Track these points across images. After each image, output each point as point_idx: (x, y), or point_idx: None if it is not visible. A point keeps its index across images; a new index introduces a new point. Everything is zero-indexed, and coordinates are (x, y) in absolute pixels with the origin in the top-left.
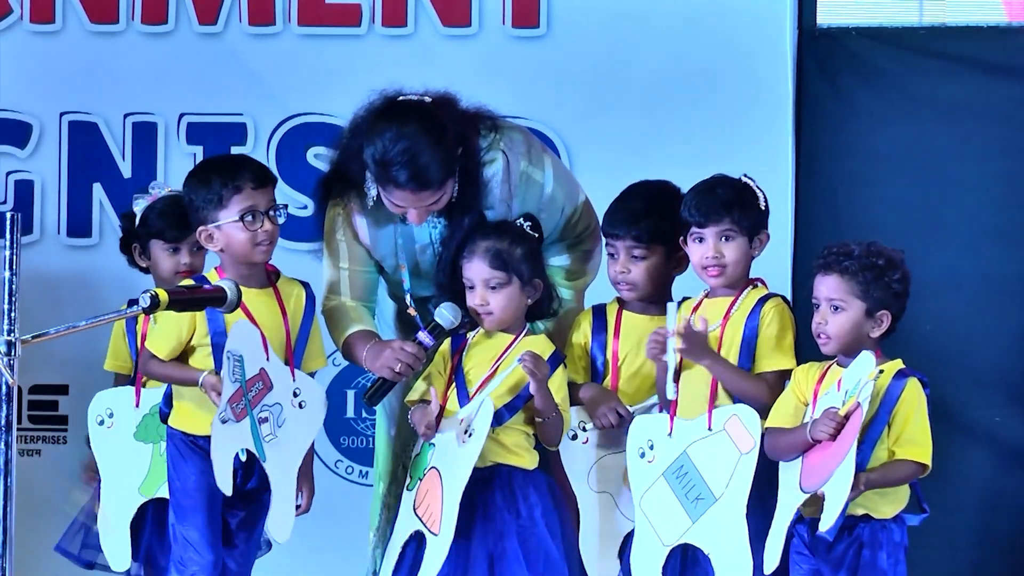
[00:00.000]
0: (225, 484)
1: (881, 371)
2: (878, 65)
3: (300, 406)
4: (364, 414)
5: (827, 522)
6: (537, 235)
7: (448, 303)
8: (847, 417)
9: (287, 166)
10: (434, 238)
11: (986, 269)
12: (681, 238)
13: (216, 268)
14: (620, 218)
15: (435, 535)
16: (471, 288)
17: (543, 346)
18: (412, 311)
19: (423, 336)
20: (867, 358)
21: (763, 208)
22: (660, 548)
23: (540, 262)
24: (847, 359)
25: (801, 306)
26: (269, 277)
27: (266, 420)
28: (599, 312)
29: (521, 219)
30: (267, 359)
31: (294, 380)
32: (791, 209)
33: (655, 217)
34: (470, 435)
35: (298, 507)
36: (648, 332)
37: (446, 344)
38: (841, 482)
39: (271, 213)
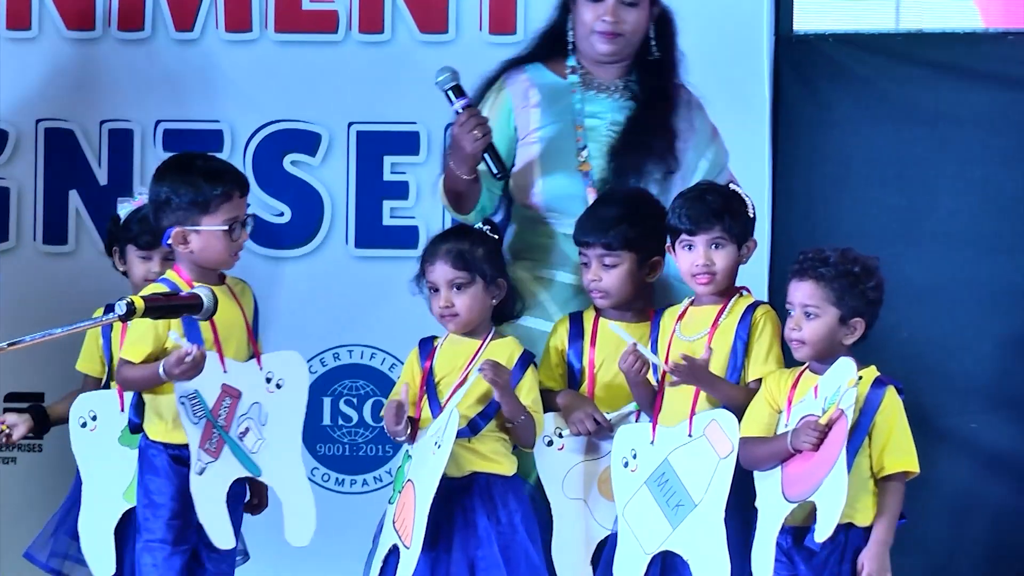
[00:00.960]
0: (224, 538)
1: (860, 377)
2: (855, 71)
3: (278, 387)
4: (340, 421)
5: (823, 532)
6: (497, 236)
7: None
8: (829, 426)
9: (264, 173)
10: (604, 116)
11: (963, 275)
12: (668, 245)
13: (175, 268)
14: (591, 226)
15: (407, 548)
16: (435, 291)
17: (511, 349)
18: (592, 191)
19: (457, 104)
20: (847, 364)
21: (751, 216)
22: (642, 557)
23: (502, 263)
24: (820, 365)
25: (778, 311)
26: (220, 274)
27: (247, 431)
28: (576, 319)
29: (480, 223)
30: (224, 371)
31: (262, 368)
32: (768, 214)
33: (625, 224)
34: (439, 446)
35: (256, 505)
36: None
37: (415, 353)
38: (833, 491)
39: (245, 222)
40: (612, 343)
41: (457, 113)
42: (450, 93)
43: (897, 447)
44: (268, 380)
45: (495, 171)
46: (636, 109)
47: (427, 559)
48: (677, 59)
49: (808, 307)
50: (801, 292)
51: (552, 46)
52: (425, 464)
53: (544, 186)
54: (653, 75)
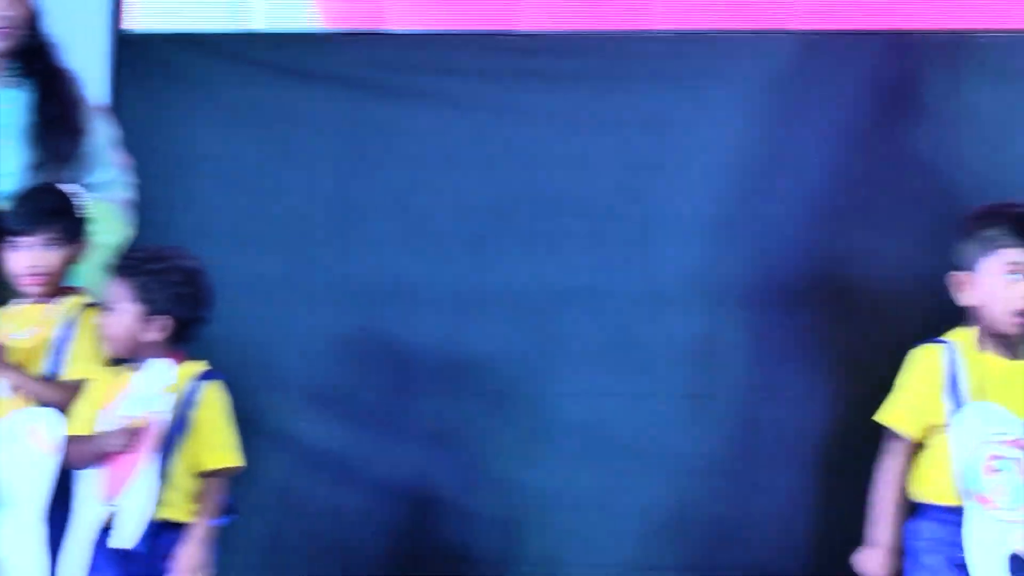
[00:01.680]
0: None
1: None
2: (190, 72)
3: None
4: None
5: (123, 537)
6: None
7: None
8: (141, 428)
9: None
10: None
11: (293, 274)
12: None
13: None
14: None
15: None
16: None
17: None
18: None
19: None
20: (161, 365)
21: (84, 216)
22: None
23: None
24: (142, 364)
25: None
26: None
27: None
28: None
29: None
30: None
31: None
32: None
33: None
34: None
35: None
36: None
37: None
38: (137, 495)
39: None
40: None
41: None
42: None
43: (217, 442)
44: None
45: None
46: (40, 94)
47: None
48: (53, 40)
49: (111, 302)
50: (108, 289)
51: None
52: None
53: None
54: (39, 58)
